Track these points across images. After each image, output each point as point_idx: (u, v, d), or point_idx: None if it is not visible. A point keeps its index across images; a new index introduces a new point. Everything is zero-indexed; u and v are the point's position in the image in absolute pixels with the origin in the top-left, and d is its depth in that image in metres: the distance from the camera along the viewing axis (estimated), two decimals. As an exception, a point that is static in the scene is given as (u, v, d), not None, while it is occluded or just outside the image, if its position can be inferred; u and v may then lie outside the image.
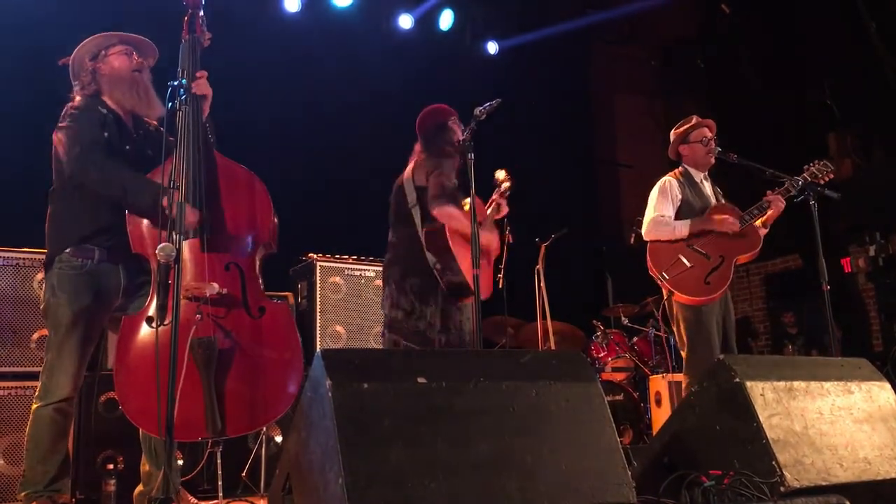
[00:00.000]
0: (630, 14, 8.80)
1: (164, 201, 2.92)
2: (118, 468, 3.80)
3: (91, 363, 3.35)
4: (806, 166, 4.41)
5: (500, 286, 5.27)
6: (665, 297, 4.40)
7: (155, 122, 3.48)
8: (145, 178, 3.16)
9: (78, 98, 3.34)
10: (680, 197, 4.43)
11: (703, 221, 4.30)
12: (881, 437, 2.87)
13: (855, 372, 3.08)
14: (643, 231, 4.45)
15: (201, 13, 3.16)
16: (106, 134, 3.23)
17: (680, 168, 4.59)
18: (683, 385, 4.35)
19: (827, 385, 2.90)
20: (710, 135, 4.53)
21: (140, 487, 3.32)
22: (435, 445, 2.06)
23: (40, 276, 3.90)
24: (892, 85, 7.77)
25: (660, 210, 4.39)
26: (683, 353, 4.31)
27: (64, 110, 3.29)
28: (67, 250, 3.18)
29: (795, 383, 2.81)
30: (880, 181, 8.04)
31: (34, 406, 3.13)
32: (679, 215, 4.41)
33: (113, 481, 3.66)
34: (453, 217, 3.87)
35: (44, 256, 3.32)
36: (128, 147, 3.31)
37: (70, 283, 3.16)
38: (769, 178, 4.40)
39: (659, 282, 4.32)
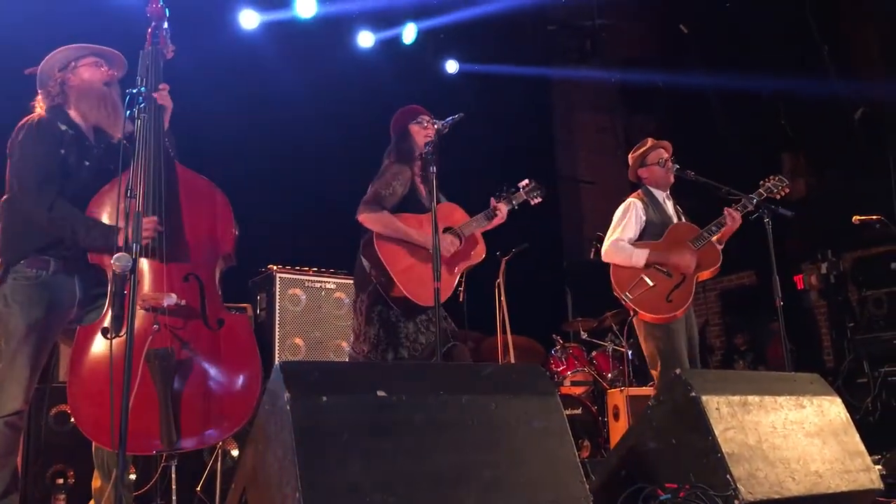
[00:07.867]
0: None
1: (120, 240, 2.89)
2: (68, 482, 3.72)
3: (42, 375, 3.27)
4: (762, 181, 4.53)
5: (461, 300, 5.27)
6: (631, 316, 4.45)
7: (119, 136, 3.39)
8: (95, 220, 3.09)
9: (38, 110, 3.26)
10: (644, 218, 4.49)
11: (661, 255, 4.34)
12: (832, 450, 2.93)
13: (807, 387, 3.15)
14: (602, 251, 4.50)
15: (165, 25, 3.14)
16: (63, 151, 3.16)
17: (642, 189, 4.65)
18: None
19: (780, 399, 2.96)
20: (666, 155, 4.60)
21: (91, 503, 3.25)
22: (394, 459, 2.05)
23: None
24: (843, 106, 7.98)
25: (621, 235, 4.44)
26: (654, 373, 4.33)
27: (20, 124, 3.20)
28: (22, 261, 3.11)
29: (750, 397, 2.86)
30: (832, 200, 8.22)
31: None
32: (643, 235, 4.47)
33: (63, 496, 3.59)
34: (375, 222, 3.64)
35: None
36: (87, 163, 3.24)
37: (23, 293, 3.09)
38: (725, 195, 4.48)
39: (623, 301, 4.36)
